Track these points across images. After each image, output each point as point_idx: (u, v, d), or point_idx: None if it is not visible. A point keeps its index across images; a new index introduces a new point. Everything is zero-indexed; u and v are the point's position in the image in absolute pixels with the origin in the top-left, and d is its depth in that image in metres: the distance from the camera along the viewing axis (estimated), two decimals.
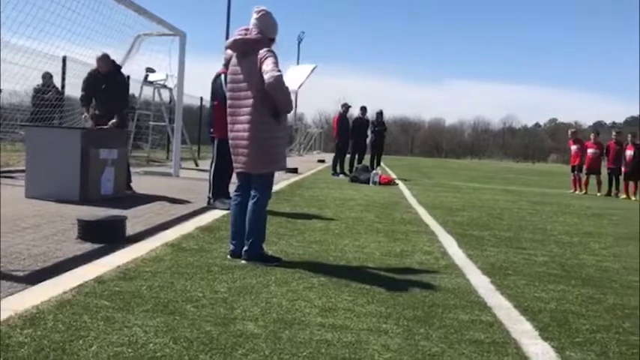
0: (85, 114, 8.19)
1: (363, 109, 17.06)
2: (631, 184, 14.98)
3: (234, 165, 4.45)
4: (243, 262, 4.23)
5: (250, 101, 4.21)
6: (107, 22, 9.57)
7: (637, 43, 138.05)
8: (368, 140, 17.59)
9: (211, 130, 7.36)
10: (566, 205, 11.53)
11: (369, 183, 13.51)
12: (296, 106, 59.14)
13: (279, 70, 4.15)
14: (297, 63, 46.73)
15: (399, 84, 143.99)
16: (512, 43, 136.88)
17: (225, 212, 6.81)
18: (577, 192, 15.78)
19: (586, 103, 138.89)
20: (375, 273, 4.23)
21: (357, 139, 16.59)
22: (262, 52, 4.19)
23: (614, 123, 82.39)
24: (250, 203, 4.33)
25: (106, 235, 4.74)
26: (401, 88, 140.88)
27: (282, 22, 4.40)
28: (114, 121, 8.12)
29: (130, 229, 5.19)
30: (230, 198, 7.48)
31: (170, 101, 16.86)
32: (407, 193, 11.94)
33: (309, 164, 22.94)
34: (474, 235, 6.36)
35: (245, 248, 4.28)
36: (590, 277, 4.56)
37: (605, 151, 15.68)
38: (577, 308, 3.60)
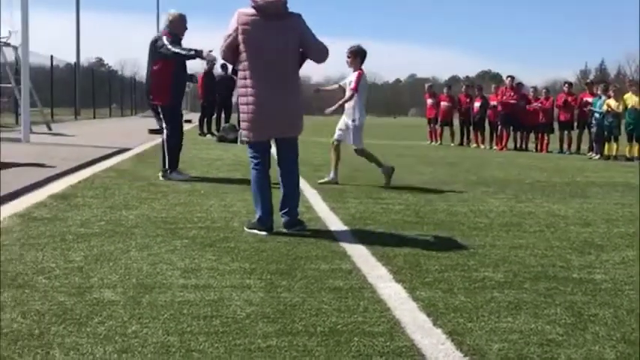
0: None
1: (225, 66, 16.57)
2: (480, 133, 16.20)
3: (261, 132, 4.50)
4: (106, 228, 4.07)
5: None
6: None
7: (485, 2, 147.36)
8: (234, 98, 17.29)
9: (151, 97, 6.71)
10: (424, 155, 12.25)
11: (237, 142, 13.39)
12: None
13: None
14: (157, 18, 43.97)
15: None
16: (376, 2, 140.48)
17: (82, 178, 6.47)
18: (433, 143, 16.80)
19: (443, 59, 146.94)
20: (241, 231, 4.24)
21: (223, 97, 16.18)
22: (298, 19, 4.25)
23: (467, 77, 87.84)
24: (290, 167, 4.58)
25: None
26: None
27: None
28: None
29: None
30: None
31: (17, 62, 15.38)
32: (273, 149, 11.98)
33: None
34: (337, 189, 6.58)
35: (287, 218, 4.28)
36: (442, 222, 4.92)
37: (456, 103, 16.77)
38: (428, 251, 3.88)
